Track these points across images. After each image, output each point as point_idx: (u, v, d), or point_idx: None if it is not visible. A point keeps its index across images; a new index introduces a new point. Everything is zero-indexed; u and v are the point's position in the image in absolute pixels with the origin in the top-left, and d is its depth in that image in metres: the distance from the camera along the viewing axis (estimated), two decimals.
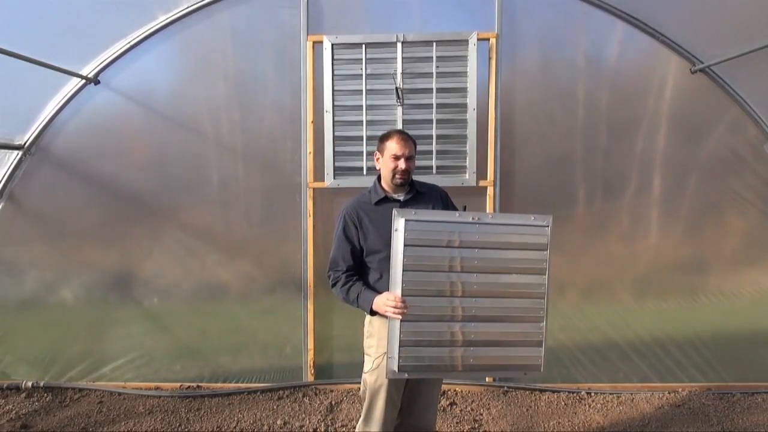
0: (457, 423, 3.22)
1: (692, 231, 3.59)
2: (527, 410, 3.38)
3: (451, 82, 3.46)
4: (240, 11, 3.54)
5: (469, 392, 3.58)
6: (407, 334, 2.07)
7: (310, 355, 3.63)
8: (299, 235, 3.60)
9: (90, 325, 3.73)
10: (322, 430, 3.17)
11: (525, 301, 2.15)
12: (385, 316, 2.10)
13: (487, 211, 3.48)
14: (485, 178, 3.51)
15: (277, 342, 3.69)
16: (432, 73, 3.45)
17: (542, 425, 3.20)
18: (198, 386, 3.68)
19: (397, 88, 3.42)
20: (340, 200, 3.49)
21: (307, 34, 3.50)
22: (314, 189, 3.56)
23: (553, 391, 3.57)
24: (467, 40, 3.43)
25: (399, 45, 3.44)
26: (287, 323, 3.67)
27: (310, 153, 3.55)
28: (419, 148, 2.53)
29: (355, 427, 2.55)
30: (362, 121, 3.49)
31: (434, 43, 3.43)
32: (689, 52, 3.44)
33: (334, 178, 3.53)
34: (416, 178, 2.38)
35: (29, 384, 3.66)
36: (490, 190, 3.51)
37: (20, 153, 3.60)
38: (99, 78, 3.58)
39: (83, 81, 3.53)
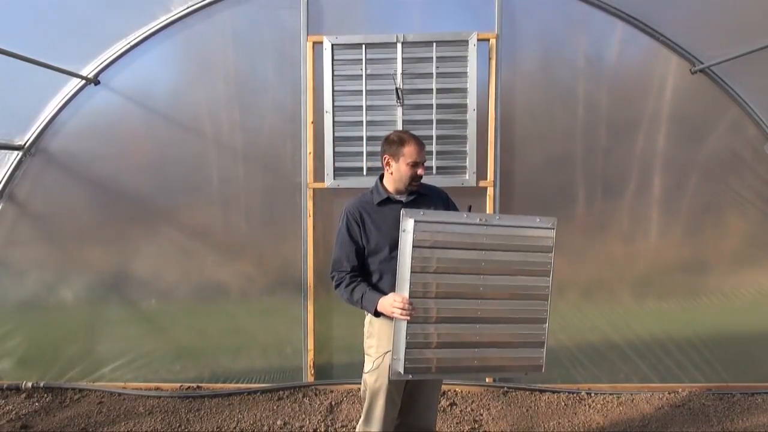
0: (457, 423, 3.22)
1: (692, 231, 3.60)
2: (527, 410, 3.38)
3: (451, 83, 3.46)
4: (240, 11, 3.54)
5: (469, 392, 3.58)
6: (414, 336, 2.06)
7: (310, 355, 3.63)
8: (299, 235, 3.60)
9: (90, 326, 3.73)
10: (322, 430, 3.17)
11: (529, 302, 2.15)
12: (390, 318, 2.10)
13: (487, 211, 3.49)
14: (485, 178, 3.51)
15: (277, 342, 3.69)
16: (432, 73, 3.45)
17: (542, 425, 3.19)
18: (198, 387, 3.68)
19: (397, 89, 3.42)
20: (340, 201, 3.49)
21: (307, 35, 3.50)
22: (314, 189, 3.56)
23: (553, 392, 3.57)
24: (467, 41, 3.43)
25: (399, 45, 3.44)
26: (287, 323, 3.66)
27: (310, 153, 3.55)
28: None
29: (355, 428, 2.56)
30: (362, 122, 3.49)
31: (434, 44, 3.43)
32: (689, 53, 3.44)
33: (334, 179, 3.53)
34: None
35: (29, 384, 3.65)
36: (490, 191, 3.51)
37: (20, 153, 3.60)
38: (99, 78, 3.57)
39: (83, 81, 3.53)
